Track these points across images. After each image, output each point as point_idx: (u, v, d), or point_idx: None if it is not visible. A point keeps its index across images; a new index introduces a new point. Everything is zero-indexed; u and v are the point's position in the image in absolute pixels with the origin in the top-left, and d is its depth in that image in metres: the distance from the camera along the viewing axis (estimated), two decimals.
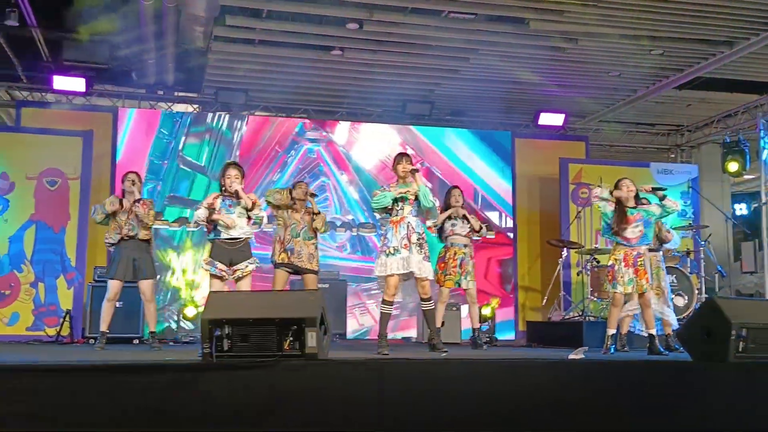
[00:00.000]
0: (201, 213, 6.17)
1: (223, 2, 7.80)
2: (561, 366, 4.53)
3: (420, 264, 5.92)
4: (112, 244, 6.87)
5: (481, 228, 7.48)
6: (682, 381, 4.35)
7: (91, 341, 8.20)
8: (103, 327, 6.82)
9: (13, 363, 3.86)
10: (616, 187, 6.36)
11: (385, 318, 5.99)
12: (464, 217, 7.42)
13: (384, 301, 5.97)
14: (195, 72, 9.81)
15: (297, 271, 7.00)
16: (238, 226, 6.18)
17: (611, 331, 6.35)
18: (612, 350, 6.29)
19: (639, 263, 6.19)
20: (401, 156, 6.20)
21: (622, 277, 6.19)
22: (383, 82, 10.11)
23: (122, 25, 8.18)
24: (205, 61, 9.30)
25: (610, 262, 6.34)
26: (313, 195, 7.21)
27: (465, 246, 7.39)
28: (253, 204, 6.21)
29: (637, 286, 6.18)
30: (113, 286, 6.74)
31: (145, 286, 6.82)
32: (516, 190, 11.24)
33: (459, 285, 7.36)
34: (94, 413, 3.50)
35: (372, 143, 10.91)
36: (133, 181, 6.87)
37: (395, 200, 5.99)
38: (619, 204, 6.29)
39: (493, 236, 10.97)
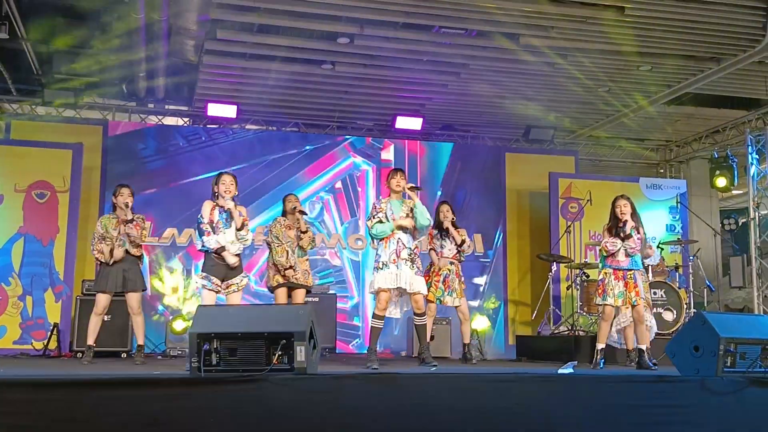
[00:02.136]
0: (212, 242, 6.13)
1: (214, 16, 7.82)
2: (550, 380, 4.53)
3: (411, 279, 5.92)
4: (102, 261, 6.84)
5: (463, 242, 7.39)
6: (671, 396, 4.36)
7: (79, 355, 8.14)
8: (90, 340, 6.78)
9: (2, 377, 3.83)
10: (613, 204, 6.45)
11: (375, 332, 5.98)
12: (447, 229, 7.35)
13: (375, 315, 5.99)
14: (186, 85, 9.81)
15: (292, 286, 7.08)
16: (234, 243, 6.19)
17: (600, 345, 6.36)
18: (601, 365, 6.29)
19: (629, 276, 6.25)
20: (395, 171, 6.21)
21: (612, 290, 6.27)
22: (374, 96, 10.15)
23: (113, 38, 8.19)
24: (196, 74, 9.31)
25: (600, 276, 6.39)
26: (302, 212, 7.23)
27: (452, 263, 7.36)
28: (243, 224, 6.19)
29: (627, 299, 6.22)
30: (101, 299, 6.73)
31: (133, 298, 6.80)
32: (506, 204, 11.26)
33: (440, 301, 7.28)
34: (82, 428, 3.47)
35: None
36: (126, 201, 6.74)
37: (387, 218, 6.01)
38: (614, 220, 6.39)
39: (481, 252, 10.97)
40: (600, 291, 6.35)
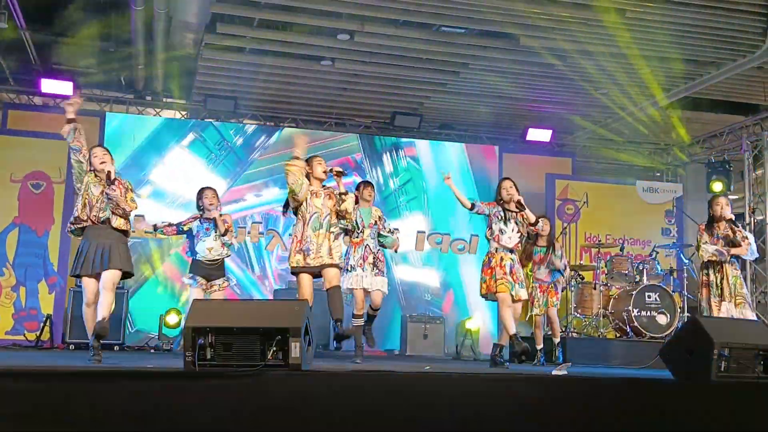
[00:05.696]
0: (167, 228, 6.78)
1: (214, 10, 7.80)
2: (543, 382, 4.53)
3: (372, 279, 6.68)
4: (75, 230, 5.50)
5: (537, 221, 6.51)
6: (665, 400, 4.36)
7: (71, 346, 8.13)
8: (90, 333, 5.64)
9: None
10: (535, 224, 6.63)
11: (358, 329, 6.66)
12: (519, 204, 6.37)
13: (354, 315, 6.67)
14: (184, 79, 9.78)
15: (317, 273, 5.89)
16: (214, 250, 6.62)
17: (540, 346, 7.59)
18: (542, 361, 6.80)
19: (550, 289, 7.59)
20: (367, 183, 7.04)
21: (538, 301, 7.67)
22: (373, 94, 10.14)
23: (112, 29, 8.16)
24: (195, 68, 9.28)
25: (530, 290, 7.44)
26: (339, 174, 5.92)
27: (512, 252, 6.44)
28: (226, 230, 6.64)
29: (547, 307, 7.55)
30: (87, 285, 5.42)
31: (108, 274, 5.37)
32: None
33: (512, 297, 6.34)
34: (75, 420, 3.46)
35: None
36: (102, 159, 5.51)
37: (357, 224, 6.55)
38: (529, 238, 7.30)
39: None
40: (531, 302, 7.49)
